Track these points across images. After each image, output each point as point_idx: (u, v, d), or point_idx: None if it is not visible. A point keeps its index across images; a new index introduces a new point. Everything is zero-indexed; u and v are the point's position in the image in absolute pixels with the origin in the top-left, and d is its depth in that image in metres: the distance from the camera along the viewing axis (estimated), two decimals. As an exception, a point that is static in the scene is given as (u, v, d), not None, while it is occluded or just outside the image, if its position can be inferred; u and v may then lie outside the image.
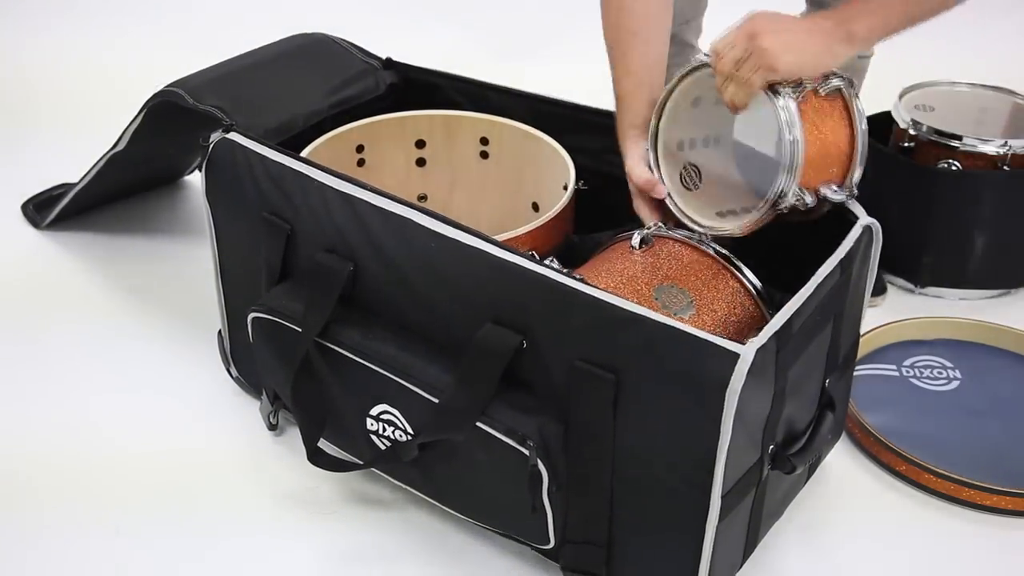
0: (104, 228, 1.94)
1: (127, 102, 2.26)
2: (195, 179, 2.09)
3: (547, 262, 1.16)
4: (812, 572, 1.31)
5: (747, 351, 1.03)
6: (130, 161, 1.74)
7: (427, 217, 1.20)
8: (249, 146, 1.34)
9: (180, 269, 1.84)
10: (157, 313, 1.73)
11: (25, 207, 1.97)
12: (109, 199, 1.97)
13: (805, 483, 1.42)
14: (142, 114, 1.59)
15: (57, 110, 2.39)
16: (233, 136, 1.36)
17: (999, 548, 1.35)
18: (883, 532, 1.37)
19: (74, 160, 1.98)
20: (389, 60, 1.65)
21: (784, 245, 1.37)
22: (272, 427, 1.49)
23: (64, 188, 1.97)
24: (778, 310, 1.28)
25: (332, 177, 1.27)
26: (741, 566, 1.27)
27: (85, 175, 1.80)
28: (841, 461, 1.47)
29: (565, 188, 1.45)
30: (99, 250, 1.88)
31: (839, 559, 1.33)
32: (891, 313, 1.72)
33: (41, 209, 1.95)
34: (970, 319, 1.69)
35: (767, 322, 1.27)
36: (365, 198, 1.24)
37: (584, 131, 1.51)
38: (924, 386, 1.59)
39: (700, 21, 1.89)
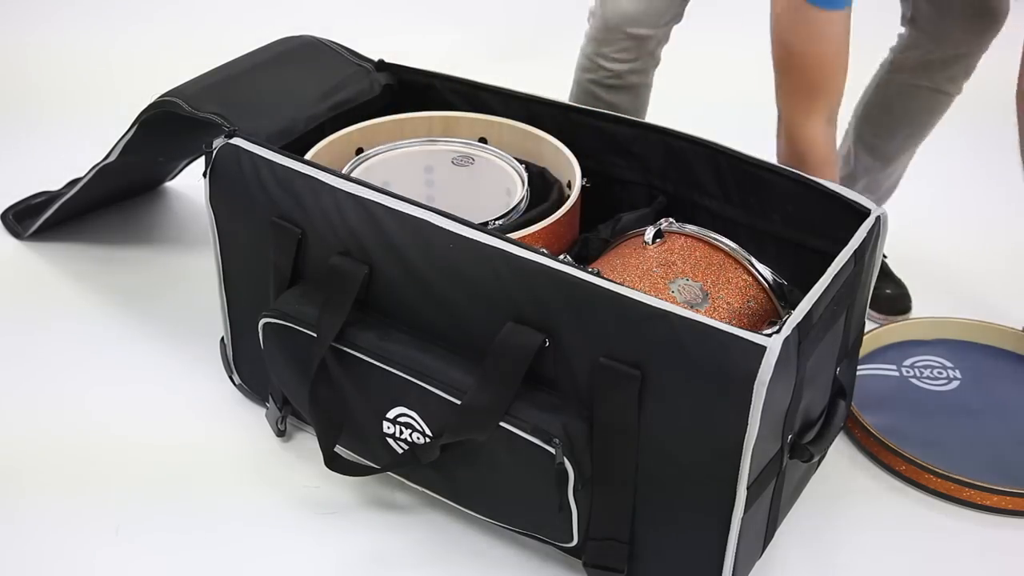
0: (88, 238, 1.90)
1: (106, 104, 2.24)
2: (176, 185, 2.06)
3: (561, 258, 1.16)
4: (813, 572, 1.32)
5: (774, 343, 1.04)
6: (117, 171, 1.71)
7: (445, 219, 1.20)
8: (255, 151, 1.33)
9: (171, 277, 1.81)
10: (151, 323, 1.71)
11: (4, 216, 1.93)
12: (92, 208, 1.94)
13: (815, 471, 1.44)
14: (135, 126, 1.57)
15: (29, 113, 2.35)
16: (237, 141, 1.35)
17: (999, 548, 1.36)
18: (883, 532, 1.38)
19: (49, 164, 1.94)
20: (381, 62, 1.64)
21: (786, 238, 1.39)
22: (280, 433, 1.48)
23: (45, 196, 1.93)
24: (787, 301, 1.30)
25: (345, 180, 1.27)
26: (760, 555, 1.29)
27: (71, 185, 1.76)
28: (841, 461, 1.48)
29: (569, 186, 1.45)
30: (85, 260, 1.85)
31: (840, 559, 1.34)
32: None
33: (22, 219, 1.90)
34: (970, 319, 1.69)
35: (779, 314, 1.29)
36: (380, 201, 1.23)
37: (577, 132, 1.51)
38: (924, 386, 1.59)
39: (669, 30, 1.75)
